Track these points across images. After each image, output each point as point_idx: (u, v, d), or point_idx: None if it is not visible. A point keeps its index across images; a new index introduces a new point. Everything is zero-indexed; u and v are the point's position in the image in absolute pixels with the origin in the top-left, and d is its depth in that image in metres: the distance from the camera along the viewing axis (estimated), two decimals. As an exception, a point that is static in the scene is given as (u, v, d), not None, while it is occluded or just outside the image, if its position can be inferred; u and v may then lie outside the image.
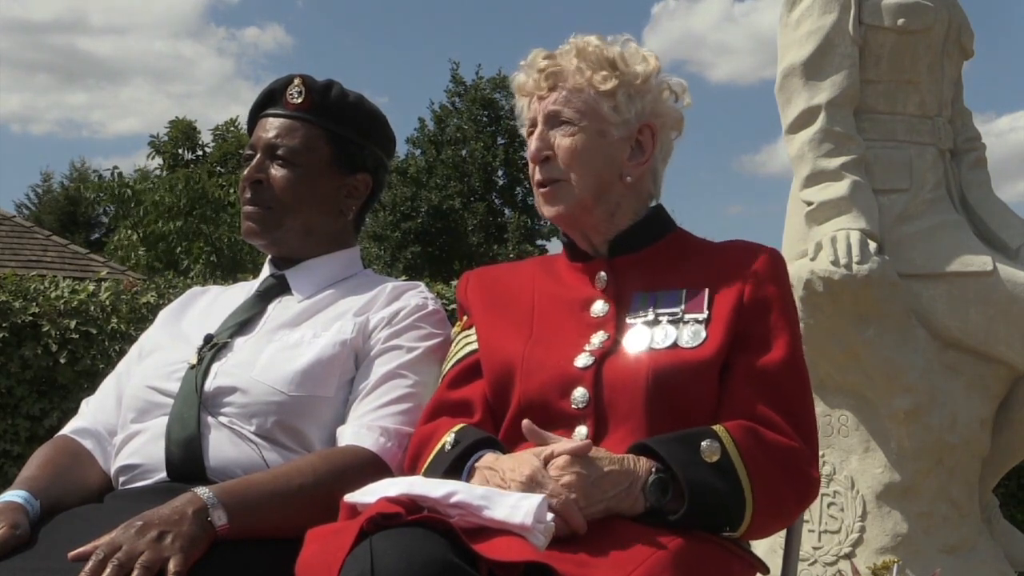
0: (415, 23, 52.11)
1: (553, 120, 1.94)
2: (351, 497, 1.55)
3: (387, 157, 2.27)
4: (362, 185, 2.20)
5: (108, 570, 1.59)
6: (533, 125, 1.97)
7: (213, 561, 1.67)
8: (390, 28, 53.42)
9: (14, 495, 1.85)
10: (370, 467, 1.83)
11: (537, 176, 1.96)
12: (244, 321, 2.07)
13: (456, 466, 1.76)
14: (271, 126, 2.15)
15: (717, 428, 1.72)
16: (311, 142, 2.13)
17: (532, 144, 1.95)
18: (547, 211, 1.97)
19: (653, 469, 1.68)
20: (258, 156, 2.14)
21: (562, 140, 1.92)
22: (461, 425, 1.84)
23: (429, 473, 1.78)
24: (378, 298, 2.08)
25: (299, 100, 2.14)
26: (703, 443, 1.69)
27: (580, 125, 1.92)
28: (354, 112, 2.19)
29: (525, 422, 1.74)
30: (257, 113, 2.20)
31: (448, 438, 1.81)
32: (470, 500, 1.46)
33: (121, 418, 2.04)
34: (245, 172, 2.15)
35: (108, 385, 2.15)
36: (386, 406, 1.94)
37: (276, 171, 2.12)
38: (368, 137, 2.20)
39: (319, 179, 2.13)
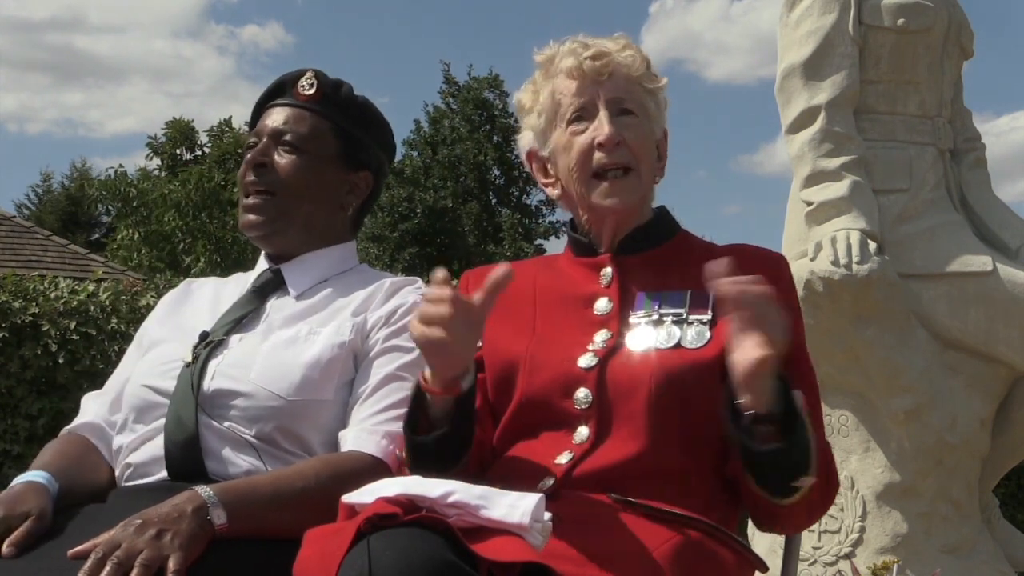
0: (416, 22, 52.17)
1: (616, 107, 1.90)
2: (349, 497, 1.55)
3: (388, 162, 2.27)
4: (363, 183, 2.19)
5: (107, 568, 1.58)
6: (581, 110, 1.91)
7: (212, 560, 1.67)
8: (391, 28, 53.47)
9: (36, 475, 1.85)
10: (372, 472, 1.82)
11: (604, 160, 1.88)
12: (240, 317, 2.06)
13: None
14: (279, 114, 2.14)
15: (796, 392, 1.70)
16: (319, 132, 2.13)
17: (604, 127, 1.88)
18: (609, 201, 1.89)
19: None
20: (264, 140, 2.13)
21: (628, 130, 1.90)
22: None
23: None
24: (375, 296, 2.06)
25: (311, 92, 2.14)
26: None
27: (641, 118, 1.92)
28: (362, 112, 2.19)
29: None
30: (264, 104, 2.19)
31: None
32: (467, 500, 1.45)
33: (121, 417, 2.03)
34: (248, 156, 2.13)
35: (113, 383, 2.14)
36: (387, 410, 1.93)
37: (281, 156, 2.11)
38: (373, 137, 2.21)
39: (324, 170, 2.13)
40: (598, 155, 1.89)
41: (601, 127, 1.89)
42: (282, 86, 2.18)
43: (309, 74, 2.15)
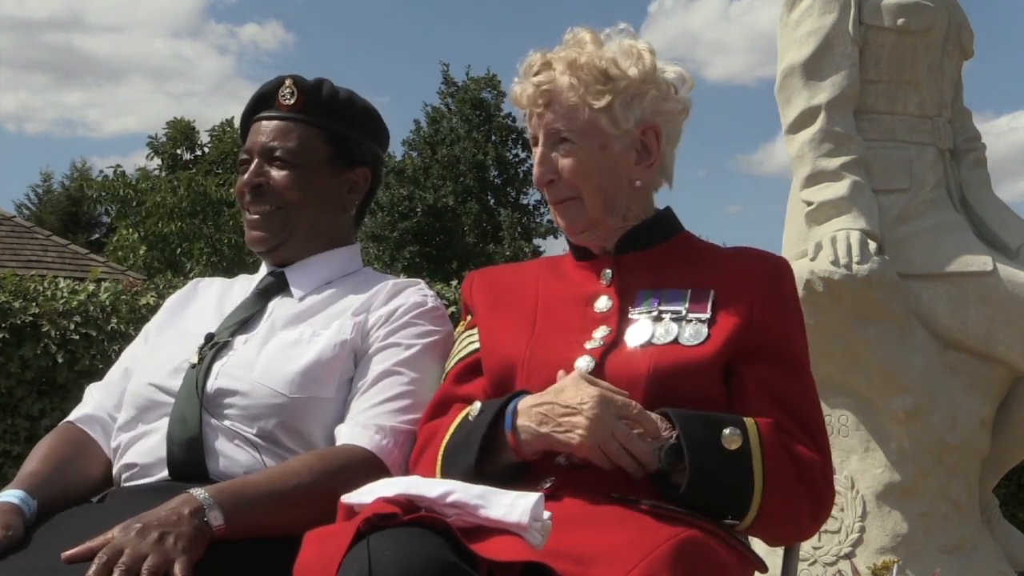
0: (415, 22, 52.12)
1: (553, 138, 1.92)
2: (348, 498, 1.55)
3: (382, 150, 2.27)
4: (361, 179, 2.20)
5: (115, 574, 1.58)
6: (534, 137, 1.97)
7: (210, 562, 1.66)
8: (391, 27, 53.43)
9: (10, 495, 1.85)
10: (366, 466, 1.83)
11: (548, 196, 1.97)
12: (244, 319, 2.07)
13: (494, 423, 1.77)
14: (265, 129, 2.14)
15: (748, 420, 1.74)
16: (308, 141, 2.12)
17: (536, 168, 1.95)
18: (561, 223, 1.98)
19: (673, 436, 1.71)
20: (255, 161, 2.13)
21: (564, 160, 1.91)
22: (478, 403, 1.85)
23: (452, 443, 1.80)
24: (377, 296, 2.07)
25: (291, 101, 2.13)
26: (726, 430, 1.71)
27: (580, 143, 1.90)
28: (347, 108, 2.18)
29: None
30: (249, 117, 2.19)
31: (471, 408, 1.83)
32: (467, 499, 1.45)
33: (123, 414, 2.03)
34: (244, 178, 2.13)
35: (116, 374, 2.15)
36: (383, 403, 1.94)
37: (276, 173, 2.11)
38: (363, 132, 2.20)
39: (319, 177, 2.13)
40: (543, 191, 1.97)
41: (535, 166, 1.95)
42: (264, 97, 2.17)
43: (288, 82, 2.15)
